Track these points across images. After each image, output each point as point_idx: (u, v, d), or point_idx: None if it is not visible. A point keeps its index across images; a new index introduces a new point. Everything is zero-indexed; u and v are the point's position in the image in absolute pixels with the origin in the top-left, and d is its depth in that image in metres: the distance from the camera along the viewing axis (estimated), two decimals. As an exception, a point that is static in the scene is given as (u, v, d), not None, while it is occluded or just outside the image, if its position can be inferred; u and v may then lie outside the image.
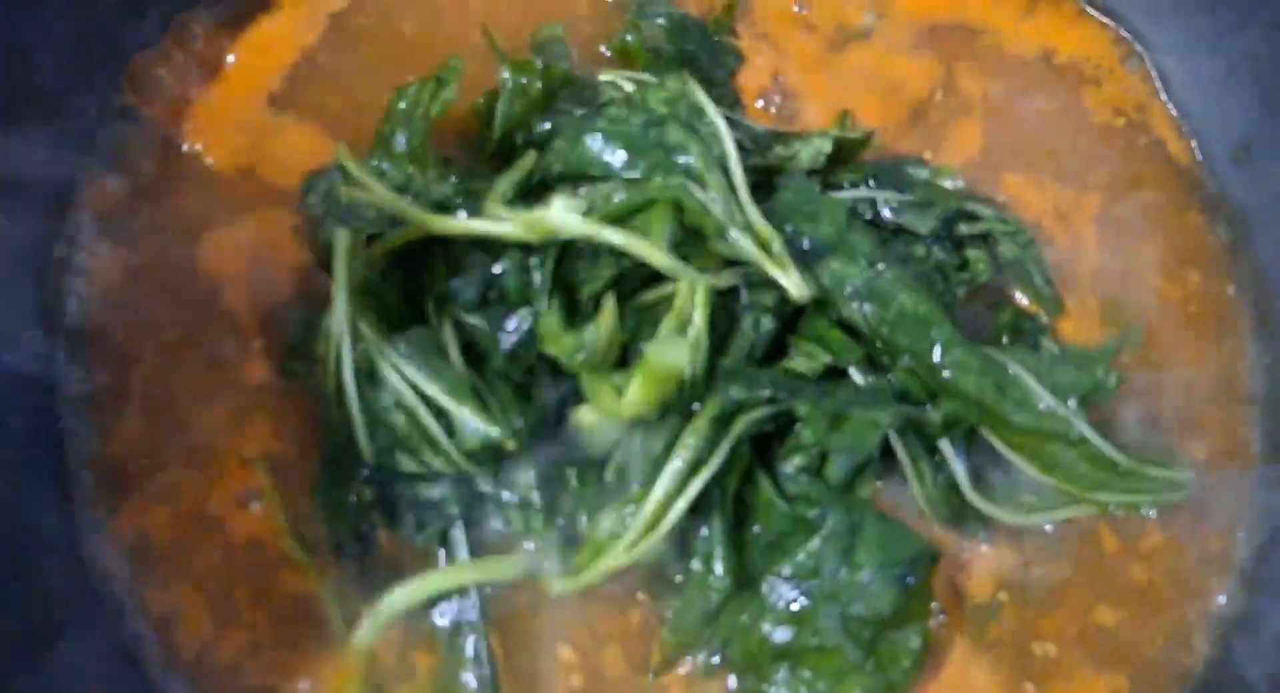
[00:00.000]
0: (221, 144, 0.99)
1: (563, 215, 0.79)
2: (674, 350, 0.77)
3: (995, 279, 1.00)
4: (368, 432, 0.83)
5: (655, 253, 0.80)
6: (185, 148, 0.98)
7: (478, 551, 0.87)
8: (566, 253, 0.85)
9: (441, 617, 0.85)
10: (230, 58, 1.01)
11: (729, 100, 1.06)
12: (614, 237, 0.79)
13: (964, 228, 0.97)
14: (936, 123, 1.07)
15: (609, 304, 0.80)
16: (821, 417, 0.80)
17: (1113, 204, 1.07)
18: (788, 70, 1.09)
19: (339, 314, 0.83)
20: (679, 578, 0.85)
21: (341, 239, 0.85)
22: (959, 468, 0.88)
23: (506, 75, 0.94)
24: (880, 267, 0.86)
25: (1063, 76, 1.11)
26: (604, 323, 0.78)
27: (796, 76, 1.09)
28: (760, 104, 1.07)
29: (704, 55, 1.06)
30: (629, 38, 1.05)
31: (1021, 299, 1.01)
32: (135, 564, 0.85)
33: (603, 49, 1.06)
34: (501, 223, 0.80)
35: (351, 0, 1.04)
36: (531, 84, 0.95)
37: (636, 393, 0.77)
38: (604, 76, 1.01)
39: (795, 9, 1.10)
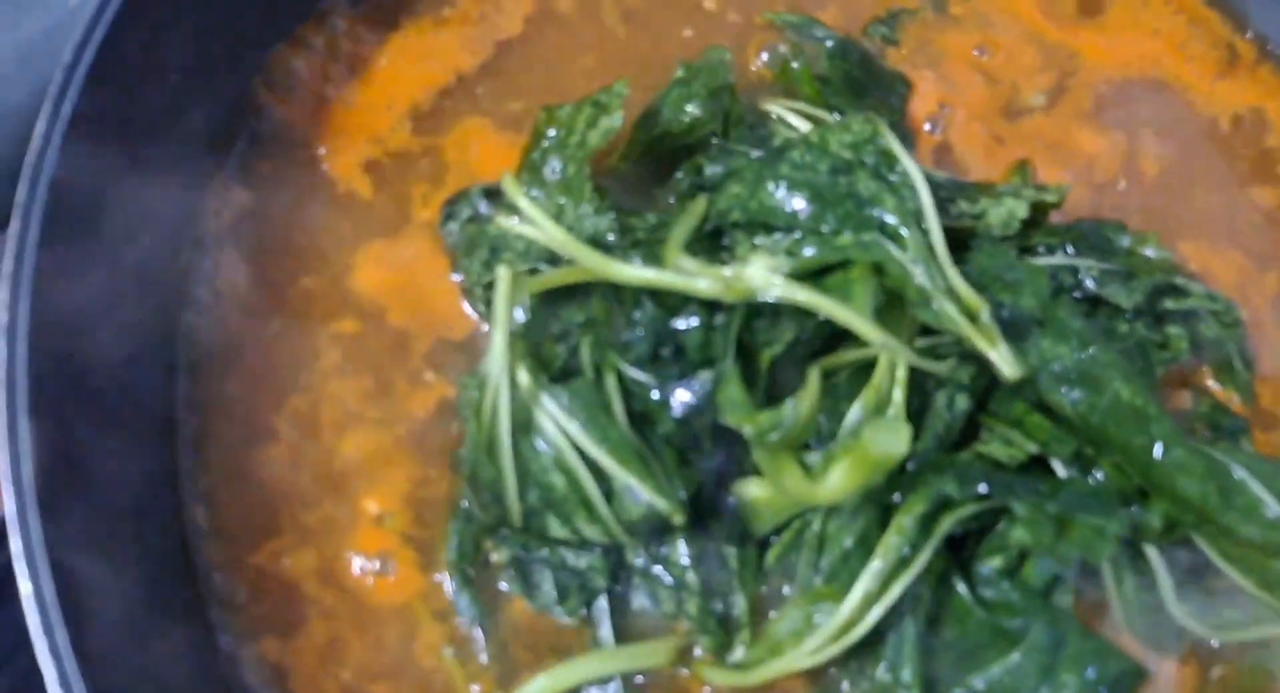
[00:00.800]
0: (358, 150, 0.92)
1: (765, 276, 0.71)
2: (893, 437, 0.68)
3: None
4: (520, 491, 0.75)
5: (862, 323, 0.71)
6: (319, 151, 0.92)
7: (621, 628, 0.79)
8: (747, 311, 0.77)
9: (583, 700, 0.78)
10: (381, 61, 0.94)
11: (901, 133, 0.97)
12: (821, 303, 0.71)
13: (1169, 303, 0.88)
14: (1119, 195, 0.99)
15: (814, 379, 0.71)
16: (1044, 521, 0.71)
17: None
18: (955, 105, 1.00)
19: (497, 360, 0.75)
20: (845, 685, 0.77)
21: (504, 277, 0.77)
22: (1165, 578, 0.79)
23: (680, 73, 0.90)
24: (1093, 349, 0.77)
25: (1254, 143, 1.03)
26: (807, 399, 0.70)
27: (964, 121, 1.01)
28: (928, 127, 0.99)
29: (871, 83, 0.98)
30: (795, 65, 0.97)
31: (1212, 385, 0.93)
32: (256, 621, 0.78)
33: (754, 67, 0.99)
34: (694, 278, 0.72)
35: (525, 29, 0.96)
36: (695, 77, 0.89)
37: (842, 479, 0.69)
38: (769, 105, 0.93)
39: (975, 52, 1.02)
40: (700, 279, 0.72)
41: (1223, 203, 1.00)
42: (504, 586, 0.79)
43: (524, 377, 0.74)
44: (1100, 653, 0.74)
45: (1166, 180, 1.01)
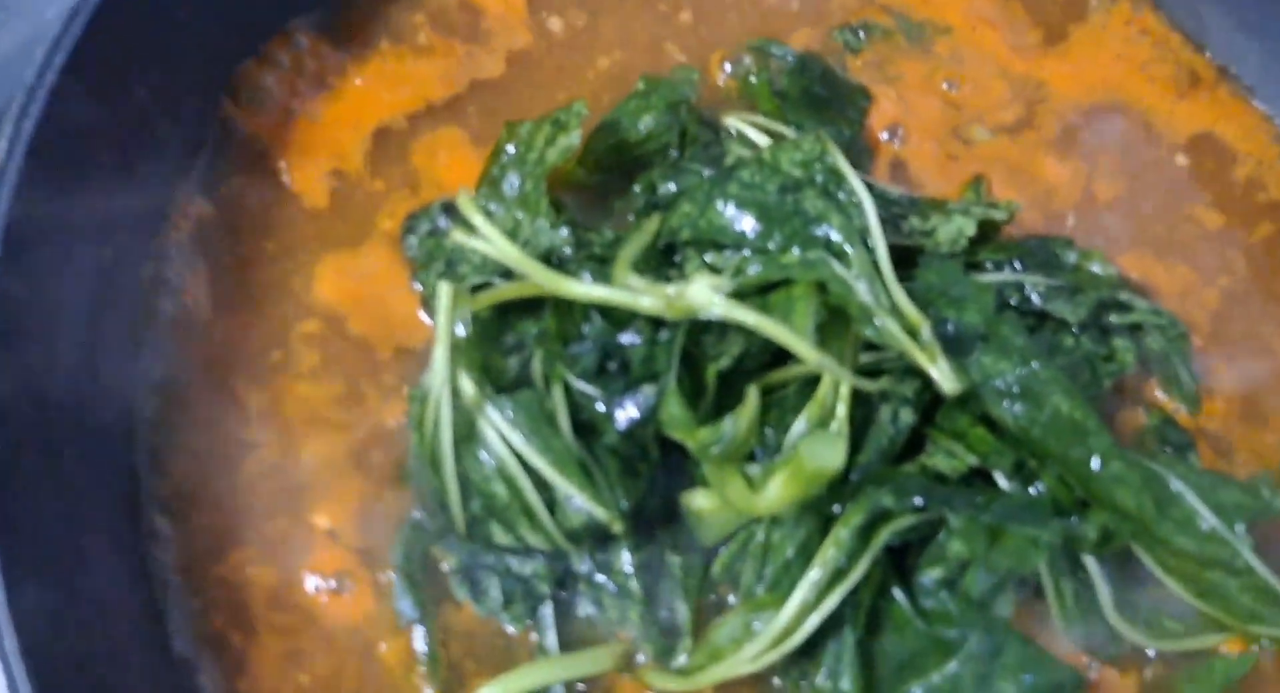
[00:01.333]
0: (321, 164, 0.94)
1: (706, 295, 0.73)
2: (828, 450, 0.70)
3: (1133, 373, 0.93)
4: (462, 500, 0.77)
5: (802, 346, 0.73)
6: (283, 163, 0.93)
7: (565, 632, 0.80)
8: (693, 326, 0.79)
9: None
10: (354, 81, 0.96)
11: (859, 147, 1.00)
12: (759, 323, 0.72)
13: (1114, 318, 0.90)
14: (1074, 215, 1.00)
15: (752, 396, 0.73)
16: (978, 531, 0.72)
17: (1244, 303, 0.99)
18: (912, 128, 1.02)
19: (439, 372, 0.76)
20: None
21: (445, 292, 0.78)
22: (1104, 588, 0.80)
23: (640, 85, 0.92)
24: (1035, 364, 0.79)
25: (1208, 162, 1.04)
26: (745, 415, 0.71)
27: (919, 141, 1.02)
28: (885, 136, 1.01)
29: (831, 97, 1.00)
30: (753, 79, 0.99)
31: (1159, 395, 0.94)
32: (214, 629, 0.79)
33: (721, 82, 1.01)
34: (638, 296, 0.74)
35: (506, 73, 0.98)
36: (653, 90, 0.92)
37: (779, 491, 0.70)
38: (729, 120, 0.95)
39: (944, 86, 1.03)
40: (644, 297, 0.74)
41: (1174, 220, 1.02)
42: (452, 593, 0.80)
43: (469, 387, 0.76)
44: (1038, 662, 0.76)
45: (1122, 199, 1.02)
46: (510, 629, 0.80)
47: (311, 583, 0.81)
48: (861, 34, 1.04)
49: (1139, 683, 0.84)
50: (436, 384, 0.74)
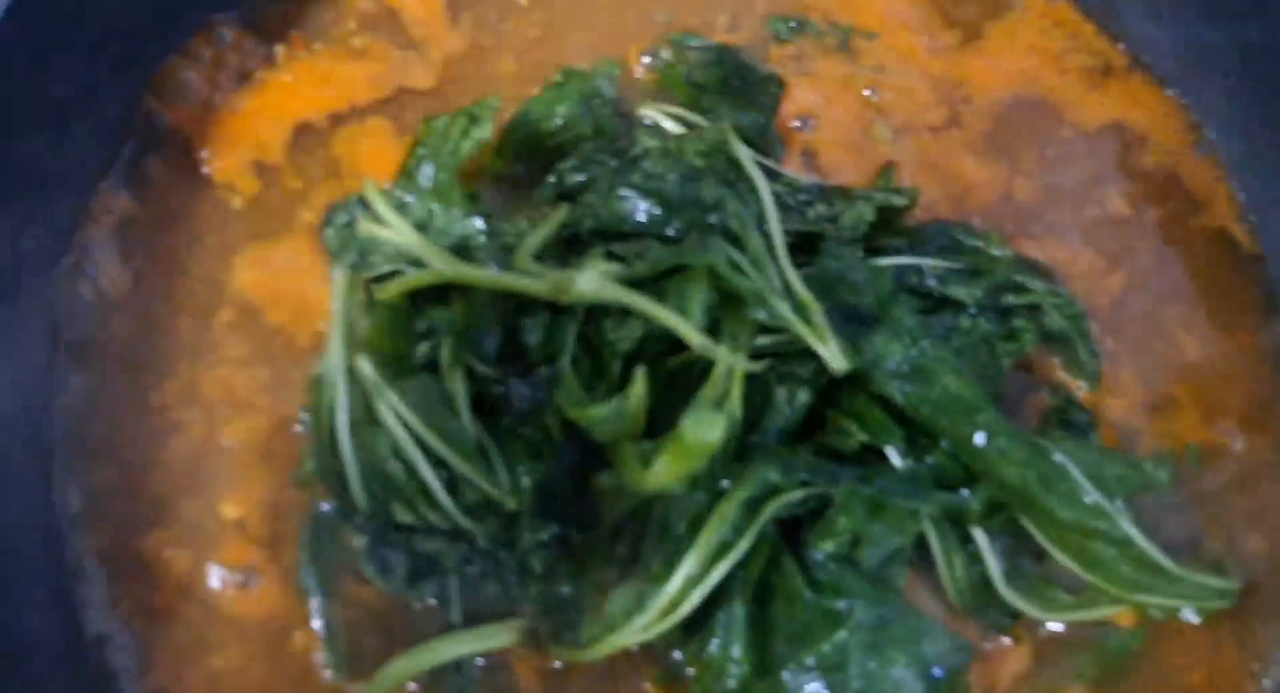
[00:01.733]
0: (242, 155, 0.96)
1: (595, 281, 0.75)
2: (709, 427, 0.72)
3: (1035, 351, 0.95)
4: (363, 481, 0.79)
5: (690, 332, 0.75)
6: (204, 154, 0.95)
7: (472, 609, 0.82)
8: (594, 311, 0.81)
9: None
10: (284, 77, 0.98)
11: (772, 136, 1.01)
12: (648, 308, 0.75)
13: (1012, 298, 0.92)
14: (986, 206, 1.03)
15: (640, 376, 0.75)
16: (859, 504, 0.75)
17: (1147, 290, 1.02)
18: (823, 118, 1.04)
19: (334, 356, 0.79)
20: (690, 669, 0.81)
21: (339, 278, 0.80)
22: (993, 561, 0.83)
23: (558, 77, 0.94)
24: (925, 344, 0.81)
25: (1118, 150, 1.07)
26: (635, 395, 0.74)
27: (831, 136, 1.04)
28: (796, 125, 1.03)
29: (745, 87, 1.02)
30: (670, 67, 1.01)
31: (1062, 375, 0.97)
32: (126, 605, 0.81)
33: (638, 72, 1.03)
34: (532, 280, 0.76)
35: (437, 83, 1.00)
36: (569, 81, 0.94)
37: (665, 467, 0.73)
38: (645, 110, 0.97)
39: (866, 92, 1.05)
40: (537, 282, 0.76)
41: (1083, 207, 1.04)
42: (356, 573, 0.82)
43: (367, 371, 0.78)
44: (926, 631, 0.77)
45: (1035, 188, 1.04)
46: (416, 606, 0.82)
47: (220, 569, 0.83)
48: (792, 26, 1.06)
49: (1032, 653, 0.87)
50: (332, 368, 0.76)
